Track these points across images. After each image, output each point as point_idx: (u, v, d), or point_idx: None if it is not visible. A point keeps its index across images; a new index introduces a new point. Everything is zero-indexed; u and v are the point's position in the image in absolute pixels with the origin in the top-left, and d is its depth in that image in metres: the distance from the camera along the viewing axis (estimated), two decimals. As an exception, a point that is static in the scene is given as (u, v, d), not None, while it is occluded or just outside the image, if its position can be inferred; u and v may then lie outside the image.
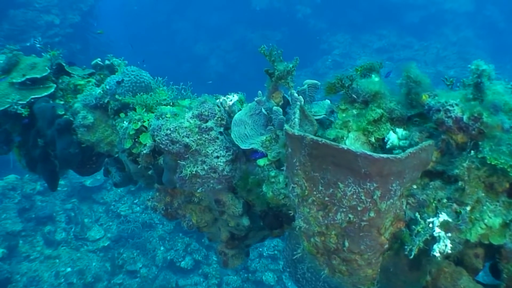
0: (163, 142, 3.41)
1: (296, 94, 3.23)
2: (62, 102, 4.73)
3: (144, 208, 12.61)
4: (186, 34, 28.66)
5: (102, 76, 4.86)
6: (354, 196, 2.25)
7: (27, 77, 4.81)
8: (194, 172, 3.37)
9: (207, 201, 3.72)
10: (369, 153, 2.11)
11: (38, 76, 4.81)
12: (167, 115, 3.51)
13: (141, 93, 4.11)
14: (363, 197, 2.24)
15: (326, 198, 2.32)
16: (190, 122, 3.41)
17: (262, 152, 3.30)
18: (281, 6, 26.01)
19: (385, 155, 2.12)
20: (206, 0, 28.11)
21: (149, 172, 3.78)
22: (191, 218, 3.75)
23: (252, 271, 11.44)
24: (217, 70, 26.08)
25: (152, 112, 3.92)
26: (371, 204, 2.26)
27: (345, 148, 2.13)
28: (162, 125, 3.43)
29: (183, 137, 3.35)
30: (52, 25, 17.57)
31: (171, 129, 3.38)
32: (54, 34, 17.42)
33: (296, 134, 2.26)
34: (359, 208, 2.28)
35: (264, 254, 11.75)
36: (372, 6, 25.27)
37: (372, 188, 2.21)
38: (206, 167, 3.37)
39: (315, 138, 2.19)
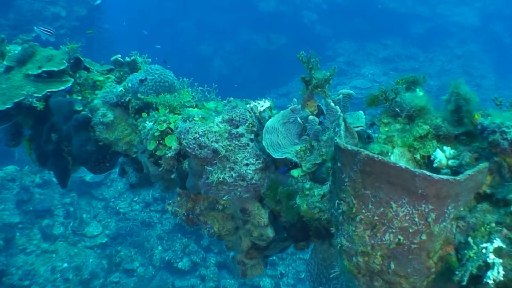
0: (190, 146, 3.27)
1: (333, 104, 3.11)
2: (79, 98, 4.59)
3: (143, 206, 12.49)
4: (190, 34, 28.48)
5: (121, 73, 4.72)
6: (407, 217, 2.13)
7: (44, 69, 4.66)
8: (221, 179, 3.23)
9: (232, 209, 3.58)
10: (428, 173, 1.99)
11: (55, 69, 4.66)
12: (195, 118, 3.37)
13: (165, 93, 3.97)
14: (416, 219, 2.12)
15: (375, 218, 2.20)
16: (220, 127, 3.27)
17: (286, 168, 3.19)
18: (288, 10, 25.93)
19: (444, 177, 2.00)
20: (211, 0, 27.95)
21: (172, 176, 3.64)
22: (213, 226, 3.60)
23: (249, 276, 11.25)
24: (221, 71, 25.95)
25: (177, 114, 3.78)
26: (424, 227, 2.14)
27: (403, 167, 2.01)
28: (189, 128, 3.29)
29: (212, 142, 3.21)
30: (58, 17, 17.45)
31: (200, 133, 3.24)
32: (59, 26, 17.25)
33: (349, 149, 2.13)
34: (410, 230, 2.15)
35: (262, 259, 11.59)
36: (378, 15, 25.23)
37: (427, 210, 2.09)
38: (234, 175, 3.23)
39: (371, 154, 2.07)
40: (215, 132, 3.24)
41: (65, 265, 10.65)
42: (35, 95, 4.55)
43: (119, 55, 4.80)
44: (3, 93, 4.78)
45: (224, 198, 3.35)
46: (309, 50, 3.27)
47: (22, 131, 5.31)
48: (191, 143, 3.26)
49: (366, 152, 2.08)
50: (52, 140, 4.65)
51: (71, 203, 12.15)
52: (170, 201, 3.73)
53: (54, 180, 12.46)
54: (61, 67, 4.66)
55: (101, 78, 4.60)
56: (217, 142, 3.21)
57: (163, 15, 29.79)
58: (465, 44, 25.46)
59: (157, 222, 12.23)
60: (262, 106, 3.41)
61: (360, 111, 3.39)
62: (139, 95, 4.01)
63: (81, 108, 4.34)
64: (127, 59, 4.69)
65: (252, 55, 25.83)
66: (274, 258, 11.74)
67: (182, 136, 3.31)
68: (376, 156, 2.06)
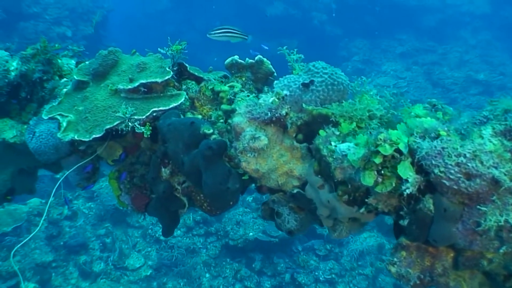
0: (450, 176, 2.11)
1: None
2: (199, 116, 3.41)
3: (185, 231, 11.32)
4: (197, 45, 27.34)
5: (244, 79, 3.55)
6: None
7: (141, 81, 3.46)
8: (501, 223, 2.10)
9: (497, 264, 2.40)
10: None
11: (159, 79, 3.44)
12: (440, 132, 2.23)
13: (338, 101, 2.83)
14: None
15: None
16: (495, 143, 2.12)
17: None
18: (296, 12, 25.04)
19: None
20: (217, 10, 26.91)
21: (401, 222, 2.46)
22: (461, 290, 2.44)
23: (309, 297, 10.31)
24: (233, 83, 24.88)
25: (360, 127, 2.62)
26: None
27: None
28: (443, 148, 2.13)
29: (488, 167, 2.06)
30: (65, 37, 16.91)
31: (466, 155, 2.09)
32: (67, 47, 16.43)
33: None
34: None
35: (321, 278, 10.56)
36: (387, 11, 24.50)
37: None
38: (528, 215, 2.10)
39: None
40: (491, 152, 2.09)
41: (112, 305, 9.50)
42: (135, 117, 3.37)
43: (237, 56, 3.64)
44: (84, 118, 3.57)
45: (501, 251, 2.21)
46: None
47: (99, 167, 4.16)
48: (451, 171, 2.09)
49: None
50: (163, 176, 3.46)
51: (107, 234, 10.98)
52: (395, 259, 2.51)
53: (85, 211, 11.33)
54: (166, 77, 3.46)
55: (226, 88, 3.39)
56: (496, 168, 2.06)
57: (167, 28, 28.62)
58: (478, 33, 24.89)
59: (202, 247, 11.12)
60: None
61: None
62: (304, 105, 2.85)
63: (211, 131, 3.11)
64: (249, 60, 3.53)
65: (267, 63, 24.83)
66: (333, 276, 10.76)
67: (433, 161, 2.15)
68: None
